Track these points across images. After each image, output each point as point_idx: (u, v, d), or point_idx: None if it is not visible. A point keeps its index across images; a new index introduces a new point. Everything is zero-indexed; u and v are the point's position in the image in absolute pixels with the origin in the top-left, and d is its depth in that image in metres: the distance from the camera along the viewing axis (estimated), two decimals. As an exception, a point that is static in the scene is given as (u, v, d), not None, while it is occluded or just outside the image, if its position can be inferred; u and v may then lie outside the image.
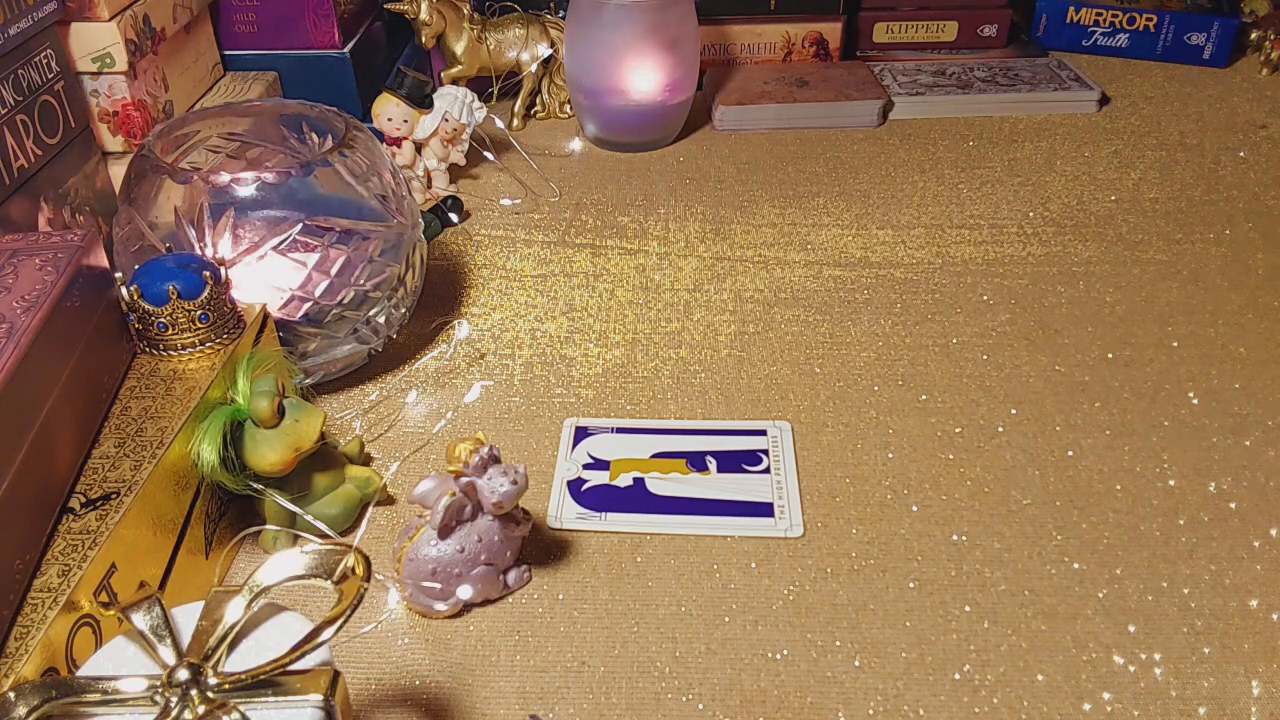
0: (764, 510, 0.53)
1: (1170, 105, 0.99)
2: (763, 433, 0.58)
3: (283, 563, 0.35)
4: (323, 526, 0.50)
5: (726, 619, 0.47)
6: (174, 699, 0.32)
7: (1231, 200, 0.82)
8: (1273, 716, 0.43)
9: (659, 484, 0.55)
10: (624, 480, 0.55)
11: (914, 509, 0.53)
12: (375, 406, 0.61)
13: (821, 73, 1.02)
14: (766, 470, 0.55)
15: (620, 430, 0.59)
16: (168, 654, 0.33)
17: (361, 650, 0.46)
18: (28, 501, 0.40)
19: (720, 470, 0.56)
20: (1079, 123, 0.96)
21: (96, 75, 0.70)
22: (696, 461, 0.56)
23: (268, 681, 0.33)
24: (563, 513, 0.53)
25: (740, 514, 0.53)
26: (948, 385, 0.62)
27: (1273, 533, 0.51)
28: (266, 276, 0.55)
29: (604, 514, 0.53)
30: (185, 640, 0.34)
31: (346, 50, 0.87)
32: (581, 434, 0.58)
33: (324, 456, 0.51)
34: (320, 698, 0.32)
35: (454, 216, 0.79)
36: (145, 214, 0.56)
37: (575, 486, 0.55)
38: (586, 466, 0.56)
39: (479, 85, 0.92)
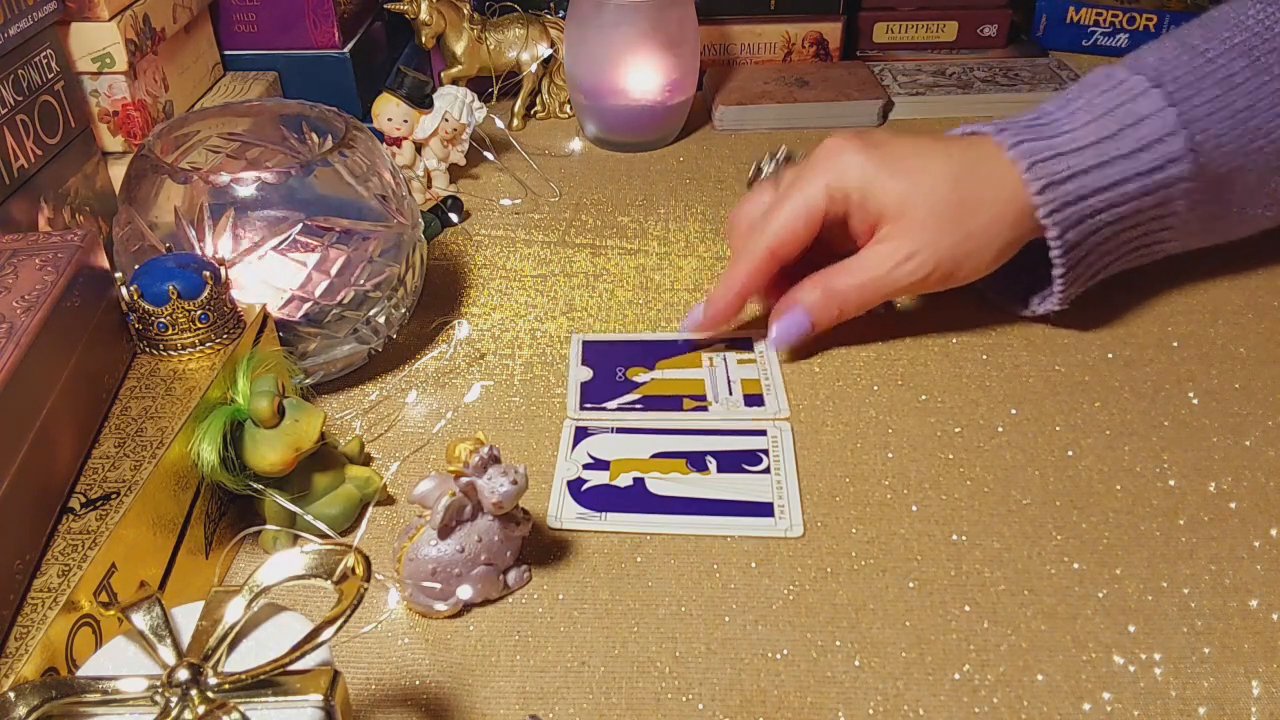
0: (764, 510, 0.53)
1: (1170, 105, 0.99)
2: (763, 433, 0.58)
3: (283, 563, 0.35)
4: (323, 526, 0.50)
5: (726, 619, 0.47)
6: (174, 699, 0.32)
7: (1231, 200, 0.82)
8: (1273, 716, 0.43)
9: (659, 484, 0.55)
10: (624, 480, 0.55)
11: (914, 509, 0.53)
12: (375, 406, 0.61)
13: (821, 73, 1.02)
14: (766, 470, 0.55)
15: (620, 430, 0.59)
16: (168, 654, 0.33)
17: (361, 650, 0.46)
18: (28, 501, 0.40)
19: (720, 470, 0.56)
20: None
21: (96, 75, 0.70)
22: (696, 461, 0.56)
23: (268, 681, 0.33)
24: (563, 513, 0.53)
25: (740, 514, 0.53)
26: (948, 385, 0.62)
27: (1273, 533, 0.51)
28: (266, 276, 0.55)
29: (604, 514, 0.53)
30: (185, 640, 0.34)
31: (346, 50, 0.87)
32: (581, 434, 0.58)
33: (324, 456, 0.51)
34: (320, 698, 0.32)
35: (454, 216, 0.79)
36: (145, 214, 0.56)
37: (575, 486, 0.55)
38: (586, 466, 0.56)
39: (479, 85, 0.92)
